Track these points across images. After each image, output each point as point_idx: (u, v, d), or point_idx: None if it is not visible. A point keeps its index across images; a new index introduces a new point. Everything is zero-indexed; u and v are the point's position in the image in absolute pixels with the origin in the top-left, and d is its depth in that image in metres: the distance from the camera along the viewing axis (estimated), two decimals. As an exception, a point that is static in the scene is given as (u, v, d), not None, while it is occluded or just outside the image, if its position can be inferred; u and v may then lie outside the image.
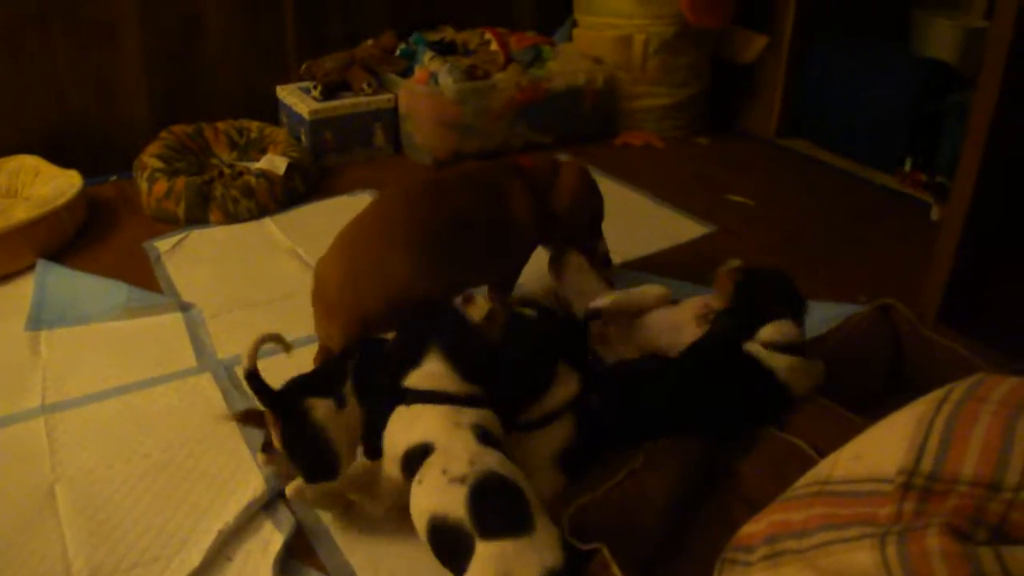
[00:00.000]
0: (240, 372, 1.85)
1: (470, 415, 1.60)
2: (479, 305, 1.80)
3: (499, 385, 1.70)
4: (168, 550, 1.72)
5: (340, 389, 1.73)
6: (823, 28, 3.86)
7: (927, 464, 1.01)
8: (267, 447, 1.81)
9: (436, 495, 1.48)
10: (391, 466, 1.62)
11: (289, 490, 1.72)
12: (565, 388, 1.79)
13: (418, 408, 1.61)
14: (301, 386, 1.74)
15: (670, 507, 1.69)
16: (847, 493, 1.09)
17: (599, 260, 2.59)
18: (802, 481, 1.21)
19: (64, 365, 2.32)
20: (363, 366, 1.77)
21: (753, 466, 1.80)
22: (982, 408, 1.03)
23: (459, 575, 1.41)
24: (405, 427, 1.61)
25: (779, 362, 1.92)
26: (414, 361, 1.66)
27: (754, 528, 1.21)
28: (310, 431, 1.67)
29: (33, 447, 2.03)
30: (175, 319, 2.55)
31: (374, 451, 1.71)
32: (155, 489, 1.89)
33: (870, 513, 1.03)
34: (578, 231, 2.51)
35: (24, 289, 2.67)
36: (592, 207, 2.54)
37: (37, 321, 2.50)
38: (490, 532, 1.40)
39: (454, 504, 1.44)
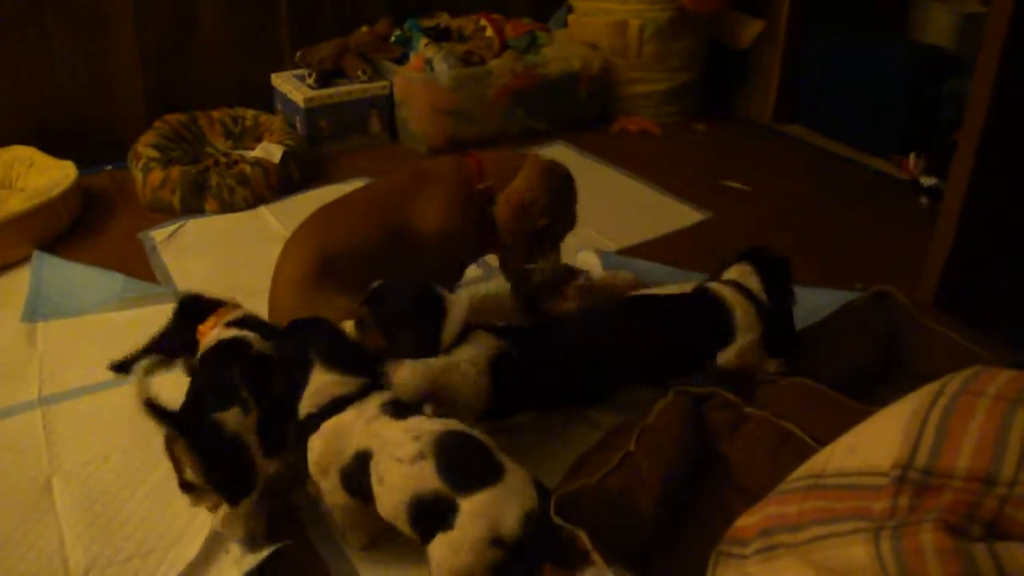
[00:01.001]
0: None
1: (373, 402, 1.62)
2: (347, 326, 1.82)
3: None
4: (165, 541, 1.73)
5: (240, 395, 1.70)
6: (820, 12, 3.85)
7: (922, 458, 1.01)
8: (185, 486, 1.69)
9: (404, 481, 1.50)
10: (335, 495, 1.63)
11: (217, 522, 1.68)
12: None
13: (327, 427, 1.61)
14: (203, 402, 1.70)
15: (667, 490, 1.70)
16: (842, 486, 1.09)
17: (542, 278, 2.38)
18: (797, 474, 1.21)
19: (61, 356, 2.32)
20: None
21: (748, 453, 1.80)
22: (977, 402, 1.03)
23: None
24: (328, 451, 1.61)
25: (727, 293, 2.02)
26: (304, 381, 1.66)
27: (749, 521, 1.21)
28: (226, 445, 1.64)
29: (30, 439, 2.03)
30: (171, 309, 2.54)
31: (271, 448, 1.72)
32: (152, 481, 1.89)
33: (865, 507, 1.03)
34: (519, 241, 2.27)
35: (20, 281, 2.66)
36: (548, 213, 2.22)
37: (33, 313, 2.49)
38: (467, 487, 1.45)
39: (425, 479, 1.48)
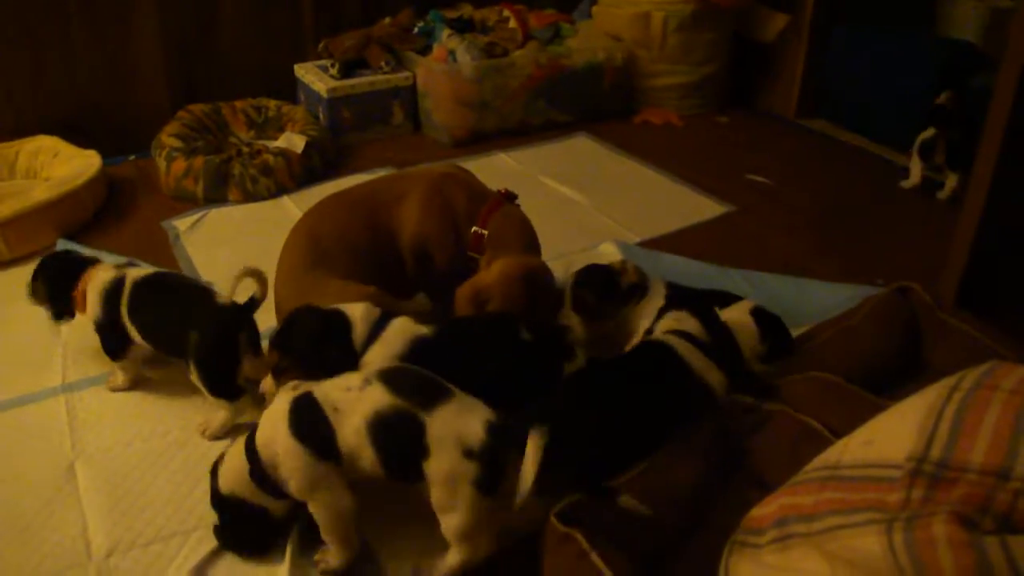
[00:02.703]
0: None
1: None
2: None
3: None
4: (186, 526, 1.75)
5: None
6: (845, 6, 3.82)
7: (936, 451, 1.01)
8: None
9: (359, 404, 1.55)
10: (308, 467, 1.58)
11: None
12: None
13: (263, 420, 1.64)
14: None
15: (689, 495, 1.69)
16: (857, 478, 1.09)
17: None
18: (812, 465, 1.21)
19: (84, 344, 2.34)
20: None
21: (768, 447, 1.80)
22: (993, 396, 1.02)
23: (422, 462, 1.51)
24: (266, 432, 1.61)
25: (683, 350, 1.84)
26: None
27: (764, 511, 1.21)
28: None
29: (53, 426, 2.06)
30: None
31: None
32: (173, 467, 1.91)
33: (879, 499, 1.03)
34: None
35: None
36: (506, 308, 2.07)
37: (57, 300, 2.51)
38: (426, 403, 1.52)
39: (380, 398, 1.54)
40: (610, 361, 1.88)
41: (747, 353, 1.99)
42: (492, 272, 2.08)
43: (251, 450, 1.59)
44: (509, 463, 1.49)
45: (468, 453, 1.49)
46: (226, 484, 1.62)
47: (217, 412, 2.00)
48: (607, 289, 2.12)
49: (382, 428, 1.53)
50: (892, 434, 1.09)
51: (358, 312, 1.83)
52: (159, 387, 2.18)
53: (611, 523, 1.54)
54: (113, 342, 2.10)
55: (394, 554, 1.70)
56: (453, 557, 1.58)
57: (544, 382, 1.77)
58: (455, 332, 1.90)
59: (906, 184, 3.25)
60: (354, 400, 1.56)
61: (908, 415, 1.08)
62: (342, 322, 1.81)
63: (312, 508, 1.60)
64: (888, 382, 1.98)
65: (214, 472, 1.66)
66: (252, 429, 1.63)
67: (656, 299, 2.12)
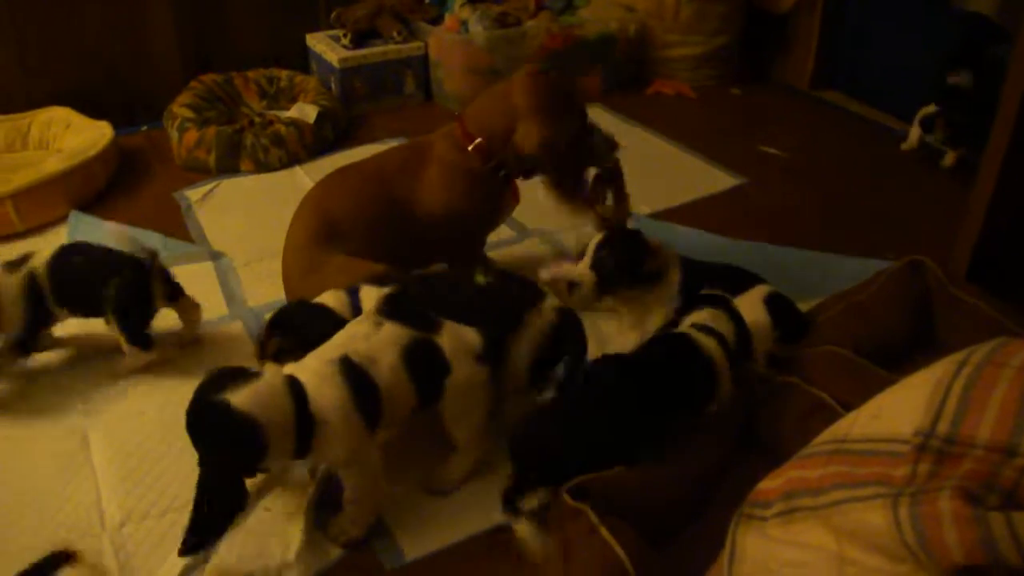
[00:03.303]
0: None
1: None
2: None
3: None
4: (199, 497, 1.76)
5: None
6: (860, -24, 3.78)
7: (943, 427, 1.01)
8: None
9: (386, 344, 1.64)
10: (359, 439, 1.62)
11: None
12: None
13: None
14: None
15: (706, 479, 1.70)
16: (864, 452, 1.09)
17: (593, 191, 2.35)
18: (820, 438, 1.22)
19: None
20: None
21: (778, 419, 1.80)
22: (1001, 373, 1.02)
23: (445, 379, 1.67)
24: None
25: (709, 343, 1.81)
26: None
27: (771, 484, 1.21)
28: None
29: (66, 396, 2.08)
30: (206, 268, 2.58)
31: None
32: (187, 436, 1.91)
33: (885, 473, 1.03)
34: (562, 163, 2.25)
35: (57, 240, 2.69)
36: (568, 118, 2.23)
37: (70, 271, 2.52)
38: (431, 327, 1.68)
39: (399, 334, 1.65)
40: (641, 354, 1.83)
41: (761, 344, 1.97)
42: (521, 95, 2.19)
43: (300, 393, 1.53)
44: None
45: (479, 358, 1.70)
46: (253, 404, 1.47)
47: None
48: (630, 261, 2.09)
49: (411, 359, 1.64)
50: (899, 408, 1.09)
51: (332, 301, 1.89)
52: (173, 356, 2.19)
53: (621, 498, 1.55)
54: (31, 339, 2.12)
55: (399, 523, 1.72)
56: (462, 460, 1.80)
57: (507, 323, 1.81)
58: (417, 285, 1.89)
59: (904, 146, 3.28)
60: (379, 341, 1.63)
61: (916, 390, 1.08)
62: (331, 316, 1.84)
63: (348, 475, 1.64)
64: (898, 356, 1.98)
65: (218, 388, 1.50)
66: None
67: (669, 289, 2.09)
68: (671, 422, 1.74)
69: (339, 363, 1.57)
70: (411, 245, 2.19)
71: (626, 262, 2.07)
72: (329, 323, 1.76)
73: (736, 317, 1.90)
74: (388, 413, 1.62)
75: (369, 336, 1.63)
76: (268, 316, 1.92)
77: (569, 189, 2.29)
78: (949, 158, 3.14)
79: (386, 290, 1.81)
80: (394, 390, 1.61)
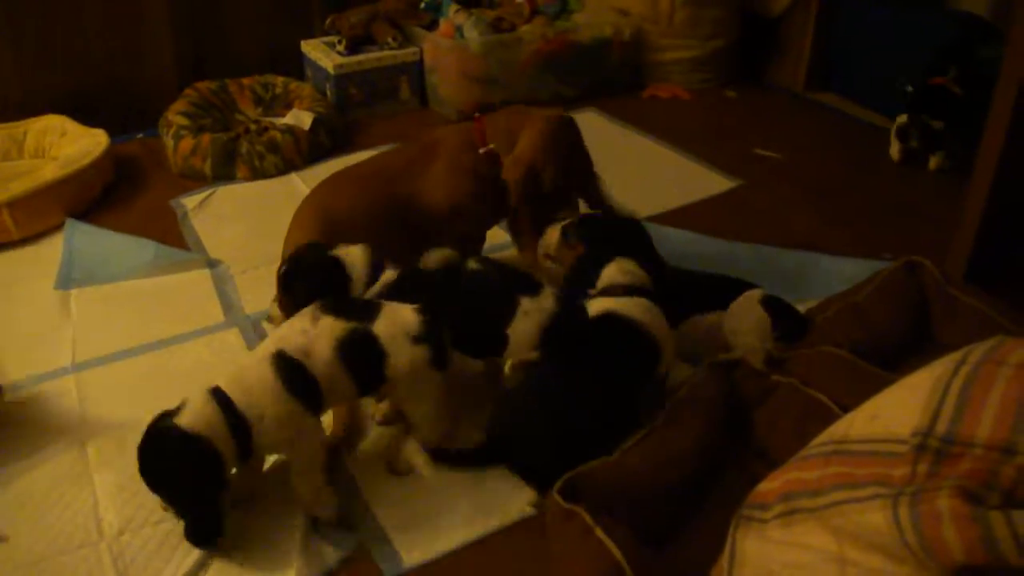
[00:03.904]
0: (266, 325, 1.99)
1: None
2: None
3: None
4: (196, 505, 1.75)
5: None
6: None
7: (942, 426, 1.01)
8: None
9: (321, 342, 1.70)
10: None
11: None
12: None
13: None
14: None
15: (692, 465, 1.70)
16: (862, 453, 1.09)
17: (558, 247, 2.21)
18: (819, 439, 1.22)
19: (93, 323, 2.36)
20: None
21: (775, 421, 1.80)
22: (999, 372, 1.02)
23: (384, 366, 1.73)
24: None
25: (633, 308, 1.84)
26: None
27: (770, 486, 1.21)
28: None
29: (64, 404, 2.07)
30: (202, 275, 2.58)
31: None
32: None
33: (884, 473, 1.03)
34: (527, 207, 2.24)
35: (53, 248, 2.70)
36: (557, 176, 2.21)
37: (67, 280, 2.53)
38: (368, 314, 1.75)
39: (334, 326, 1.72)
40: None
41: (760, 342, 1.98)
42: (527, 139, 2.20)
43: (224, 400, 1.63)
44: (445, 338, 1.79)
45: (416, 339, 1.74)
46: (192, 423, 1.59)
47: None
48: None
49: (345, 351, 1.71)
50: (898, 409, 1.09)
51: (359, 256, 1.95)
52: (169, 365, 2.19)
53: (612, 495, 1.55)
54: None
55: (397, 530, 1.72)
56: (421, 439, 1.85)
57: (502, 308, 1.87)
58: (411, 275, 1.96)
59: (892, 153, 3.28)
60: (315, 338, 1.70)
61: (914, 390, 1.08)
62: (341, 270, 1.92)
63: (292, 455, 1.71)
64: (896, 357, 1.98)
65: (162, 419, 1.62)
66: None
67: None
68: (627, 397, 1.81)
69: (272, 358, 1.66)
70: (411, 244, 2.19)
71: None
72: (339, 274, 1.90)
73: (641, 254, 1.97)
74: (330, 399, 1.75)
75: (307, 331, 1.71)
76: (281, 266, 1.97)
77: (526, 228, 2.29)
78: (933, 162, 3.15)
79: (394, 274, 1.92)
80: (332, 381, 1.71)
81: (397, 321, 1.75)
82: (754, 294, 2.07)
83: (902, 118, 3.20)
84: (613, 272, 1.93)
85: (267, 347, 1.70)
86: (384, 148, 3.27)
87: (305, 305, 1.78)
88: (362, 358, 1.73)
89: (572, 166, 2.26)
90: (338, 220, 2.15)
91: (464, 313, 1.88)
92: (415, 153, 2.30)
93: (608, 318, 1.83)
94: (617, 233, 2.07)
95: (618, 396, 1.79)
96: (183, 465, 1.59)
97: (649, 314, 1.84)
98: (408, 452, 1.86)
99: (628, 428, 1.75)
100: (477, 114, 2.34)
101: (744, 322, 2.01)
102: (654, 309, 1.86)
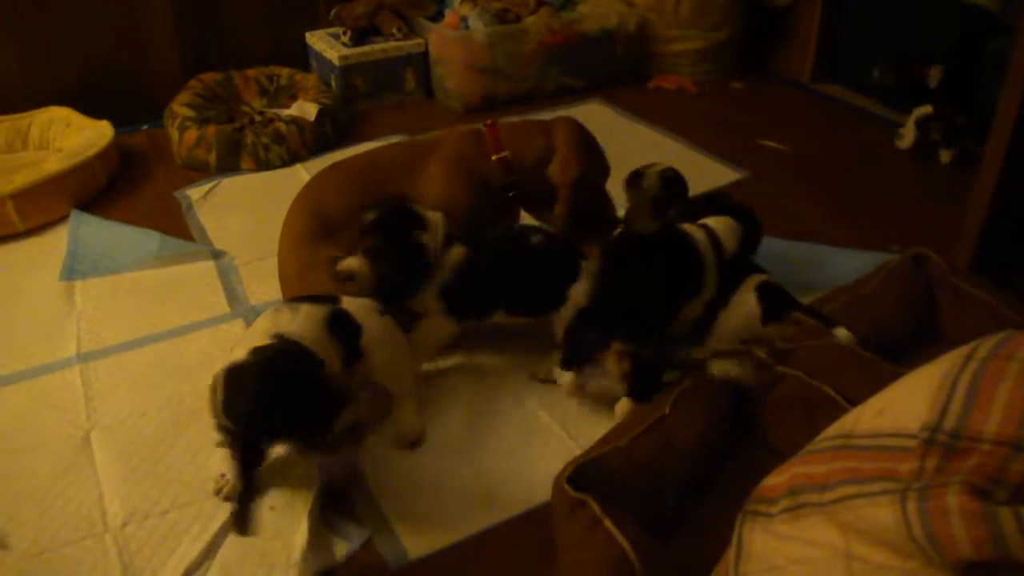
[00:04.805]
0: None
1: None
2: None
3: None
4: (202, 495, 1.76)
5: None
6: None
7: (950, 421, 1.00)
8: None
9: (304, 323, 1.79)
10: None
11: None
12: None
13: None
14: None
15: (700, 454, 1.70)
16: (870, 447, 1.08)
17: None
18: (826, 434, 1.21)
19: (98, 314, 2.35)
20: None
21: (781, 414, 1.80)
22: (1008, 366, 1.01)
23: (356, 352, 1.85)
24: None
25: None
26: None
27: (776, 480, 1.21)
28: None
29: (69, 395, 2.07)
30: (207, 267, 2.57)
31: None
32: (188, 436, 1.93)
33: (892, 468, 1.02)
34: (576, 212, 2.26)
35: (58, 240, 2.69)
36: (604, 170, 2.36)
37: (71, 271, 2.53)
38: (336, 299, 1.87)
39: (315, 312, 1.82)
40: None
41: (752, 329, 2.04)
42: (562, 139, 2.25)
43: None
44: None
45: (380, 312, 1.91)
46: (299, 334, 1.74)
47: None
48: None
49: (335, 328, 1.82)
50: (905, 403, 1.08)
51: (440, 222, 2.05)
52: (174, 356, 2.19)
53: (620, 483, 1.55)
54: None
55: (403, 522, 1.71)
56: (405, 409, 1.95)
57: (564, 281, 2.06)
58: (483, 247, 2.10)
59: (899, 143, 3.28)
60: (303, 323, 1.79)
61: (922, 384, 1.07)
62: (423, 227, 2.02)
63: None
64: (903, 349, 1.97)
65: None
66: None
67: None
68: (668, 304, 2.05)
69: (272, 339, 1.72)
70: None
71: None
72: (420, 230, 2.00)
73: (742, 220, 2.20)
74: None
75: (293, 319, 1.78)
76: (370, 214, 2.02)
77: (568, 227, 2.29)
78: (946, 155, 3.13)
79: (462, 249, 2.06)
80: (325, 359, 1.75)
81: (359, 302, 1.90)
82: (751, 282, 2.08)
83: (926, 108, 3.18)
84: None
85: (258, 331, 1.77)
86: (390, 139, 3.29)
87: (385, 255, 1.94)
88: (347, 332, 1.83)
89: (603, 163, 2.33)
90: (328, 215, 2.16)
91: (536, 277, 2.07)
92: (414, 152, 2.29)
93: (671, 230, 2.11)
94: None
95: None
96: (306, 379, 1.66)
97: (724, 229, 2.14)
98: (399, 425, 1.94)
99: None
100: (489, 121, 2.32)
101: (732, 317, 2.04)
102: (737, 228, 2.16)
